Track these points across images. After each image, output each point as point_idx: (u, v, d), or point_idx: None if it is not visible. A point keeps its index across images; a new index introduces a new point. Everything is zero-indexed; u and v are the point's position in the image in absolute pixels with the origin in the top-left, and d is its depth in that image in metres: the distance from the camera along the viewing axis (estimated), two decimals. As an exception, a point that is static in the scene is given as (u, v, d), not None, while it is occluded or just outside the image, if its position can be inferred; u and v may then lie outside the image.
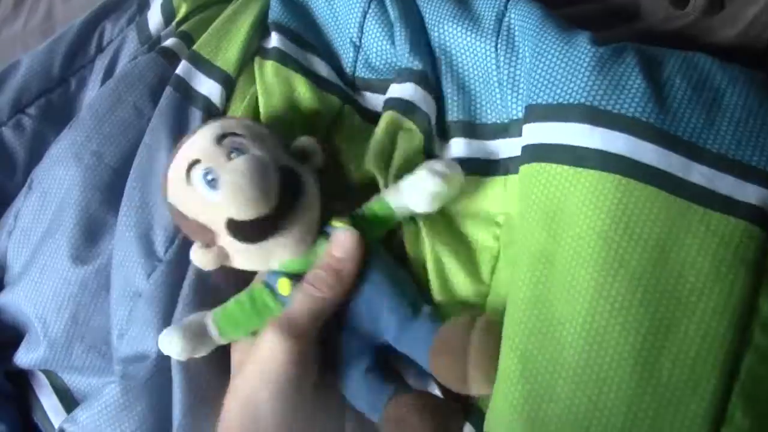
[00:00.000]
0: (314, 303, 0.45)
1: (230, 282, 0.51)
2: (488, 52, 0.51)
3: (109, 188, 0.57)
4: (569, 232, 0.40)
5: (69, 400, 0.58)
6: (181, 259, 0.53)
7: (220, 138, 0.47)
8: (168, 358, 0.50)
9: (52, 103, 0.66)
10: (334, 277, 0.45)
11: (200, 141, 0.47)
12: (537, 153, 0.44)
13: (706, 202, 0.38)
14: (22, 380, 0.60)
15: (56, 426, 0.58)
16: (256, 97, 0.58)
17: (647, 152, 0.40)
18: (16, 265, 0.60)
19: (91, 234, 0.57)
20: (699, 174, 0.39)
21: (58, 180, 0.58)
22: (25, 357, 0.57)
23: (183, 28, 0.65)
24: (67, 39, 0.67)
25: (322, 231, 0.47)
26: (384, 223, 0.49)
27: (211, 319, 0.47)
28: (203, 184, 0.45)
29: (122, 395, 0.51)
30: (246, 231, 0.44)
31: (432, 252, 0.48)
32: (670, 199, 0.38)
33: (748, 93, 0.41)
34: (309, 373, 0.45)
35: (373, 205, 0.49)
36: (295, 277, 0.46)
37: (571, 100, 0.43)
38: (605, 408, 0.36)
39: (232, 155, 0.45)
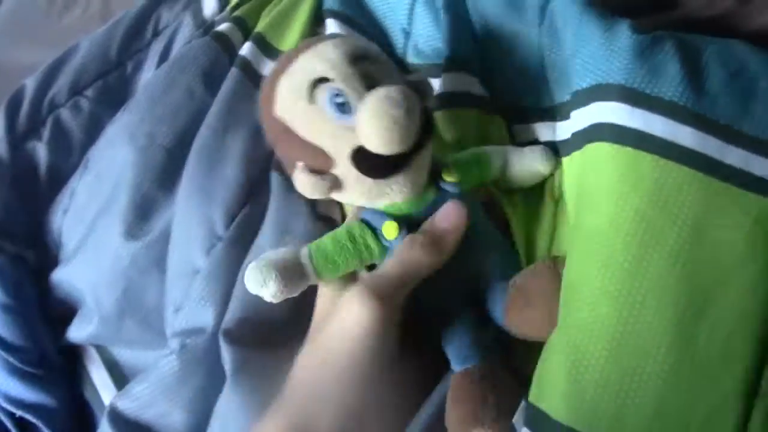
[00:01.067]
0: (409, 267, 0.42)
1: None
2: (531, 39, 0.52)
3: (162, 167, 0.59)
4: (606, 207, 0.41)
5: (118, 375, 0.60)
6: (240, 237, 0.54)
7: (355, 60, 0.43)
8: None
9: (108, 85, 0.67)
10: (435, 245, 0.43)
11: (330, 56, 0.42)
12: (585, 136, 0.45)
13: (741, 183, 0.39)
14: (73, 356, 0.62)
15: (105, 400, 0.59)
16: None
17: (684, 134, 0.40)
18: (71, 242, 0.61)
19: (143, 211, 0.58)
20: (735, 156, 0.40)
21: (113, 160, 0.60)
22: (77, 332, 0.59)
23: (237, 13, 0.67)
24: (125, 24, 0.68)
25: (430, 180, 0.45)
26: (480, 176, 0.49)
27: (306, 257, 0.43)
28: (331, 106, 0.41)
29: (180, 368, 0.52)
30: (378, 166, 0.41)
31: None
32: (705, 179, 0.39)
33: None
34: (389, 345, 0.42)
35: (479, 155, 0.49)
36: (401, 222, 0.44)
37: (611, 81, 0.44)
38: (641, 380, 0.37)
39: (368, 82, 0.42)
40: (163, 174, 0.59)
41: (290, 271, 0.42)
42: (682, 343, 0.37)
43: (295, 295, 0.42)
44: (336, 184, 0.43)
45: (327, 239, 0.44)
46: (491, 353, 0.45)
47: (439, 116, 0.54)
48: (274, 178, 0.57)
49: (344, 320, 0.41)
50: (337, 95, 0.41)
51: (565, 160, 0.48)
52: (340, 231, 0.44)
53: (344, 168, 0.42)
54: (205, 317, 0.53)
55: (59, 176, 0.65)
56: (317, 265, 0.43)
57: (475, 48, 0.56)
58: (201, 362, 0.53)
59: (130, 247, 0.56)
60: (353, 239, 0.44)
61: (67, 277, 0.60)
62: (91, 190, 0.61)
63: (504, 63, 0.54)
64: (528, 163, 0.49)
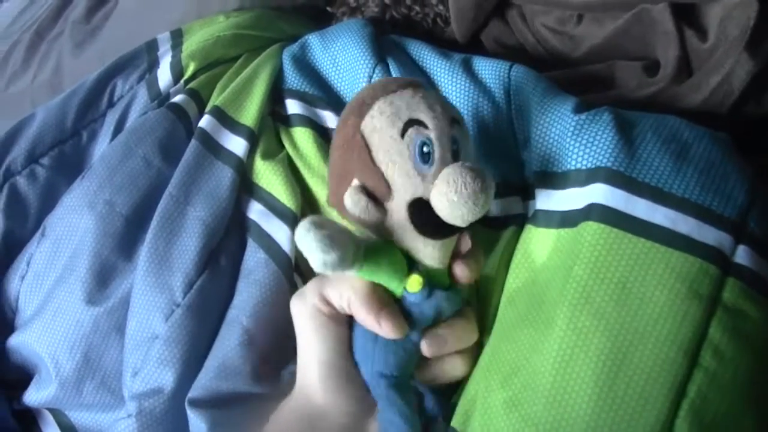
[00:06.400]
0: None
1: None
2: (506, 122, 0.57)
3: (121, 235, 0.61)
4: (557, 280, 0.45)
5: (75, 439, 0.61)
6: (198, 304, 0.57)
7: (452, 122, 0.46)
8: (182, 392, 0.54)
9: (64, 153, 0.69)
10: None
11: (437, 109, 0.45)
12: (534, 218, 0.51)
13: (668, 241, 0.43)
14: (28, 419, 0.62)
15: (62, 464, 0.60)
16: (288, 160, 0.63)
17: (617, 198, 0.45)
18: (28, 308, 0.62)
19: (103, 278, 0.60)
20: (663, 216, 0.44)
21: (72, 227, 0.62)
22: (35, 396, 0.60)
23: (191, 85, 0.70)
24: (80, 93, 0.71)
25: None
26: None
27: (362, 250, 0.44)
28: (416, 150, 0.44)
29: (138, 431, 0.54)
30: (429, 224, 0.44)
31: None
32: (634, 240, 0.43)
33: (712, 147, 0.46)
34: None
35: None
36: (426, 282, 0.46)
37: (556, 170, 0.50)
38: (567, 426, 0.41)
39: (453, 146, 0.45)
40: (122, 241, 0.61)
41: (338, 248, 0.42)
42: (604, 389, 0.40)
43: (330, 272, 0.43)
44: (381, 215, 0.45)
45: (383, 247, 0.46)
46: None
47: None
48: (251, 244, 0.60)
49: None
50: (425, 144, 0.44)
51: (536, 229, 0.51)
52: (394, 250, 0.46)
53: (397, 207, 0.45)
54: (164, 379, 0.55)
55: (15, 243, 0.66)
56: (366, 259, 0.44)
57: None
58: (160, 423, 0.55)
59: (91, 313, 0.58)
60: (399, 264, 0.46)
61: (24, 342, 0.60)
62: (50, 257, 0.62)
63: (479, 143, 0.58)
64: None
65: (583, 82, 0.64)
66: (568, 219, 0.47)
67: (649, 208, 0.44)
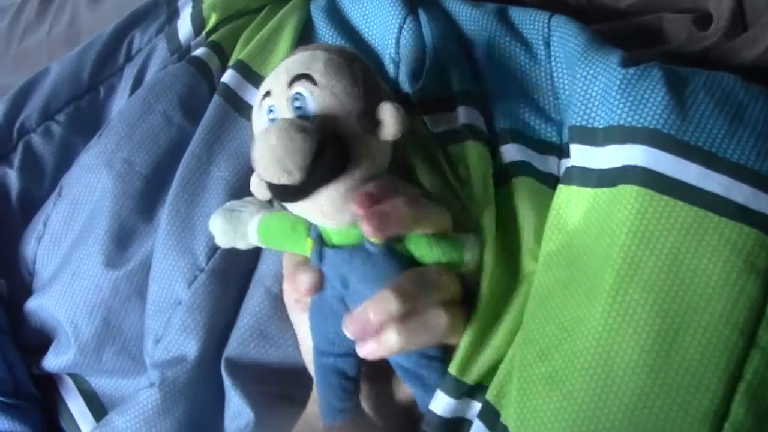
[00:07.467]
0: None
1: None
2: (546, 76, 0.54)
3: (140, 195, 0.58)
4: (597, 247, 0.42)
5: (96, 404, 0.59)
6: (222, 269, 0.55)
7: (294, 79, 0.42)
8: (206, 362, 0.52)
9: (80, 110, 0.67)
10: None
11: (278, 71, 0.44)
12: (569, 176, 0.47)
13: (722, 210, 0.39)
14: (48, 384, 0.61)
15: (84, 429, 0.59)
16: None
17: (666, 162, 0.41)
18: (46, 271, 0.60)
19: (122, 240, 0.57)
20: (716, 183, 0.40)
21: (90, 187, 0.59)
22: (54, 361, 0.58)
23: (213, 38, 0.66)
24: (97, 47, 0.67)
25: None
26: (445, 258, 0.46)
27: (256, 223, 0.48)
28: (267, 120, 0.43)
29: (162, 400, 0.52)
30: (271, 190, 0.42)
31: None
32: (686, 208, 0.40)
33: None
34: None
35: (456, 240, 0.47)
36: (320, 244, 0.45)
37: (596, 125, 0.46)
38: (613, 405, 0.38)
39: (295, 103, 0.42)
40: (142, 202, 0.58)
41: (236, 228, 0.49)
42: (654, 368, 0.38)
43: (242, 248, 0.50)
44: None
45: (276, 219, 0.48)
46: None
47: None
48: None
49: None
50: (271, 110, 0.43)
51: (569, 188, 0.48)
52: (290, 217, 0.47)
53: None
54: (188, 347, 0.53)
55: (31, 203, 0.64)
56: (260, 233, 0.48)
57: (474, 80, 0.56)
58: (183, 392, 0.53)
59: (110, 277, 0.56)
60: (294, 230, 0.47)
61: (42, 306, 0.59)
62: (67, 218, 0.60)
63: (515, 95, 0.55)
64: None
65: (628, 35, 0.60)
66: (606, 178, 0.44)
67: (702, 173, 0.41)
